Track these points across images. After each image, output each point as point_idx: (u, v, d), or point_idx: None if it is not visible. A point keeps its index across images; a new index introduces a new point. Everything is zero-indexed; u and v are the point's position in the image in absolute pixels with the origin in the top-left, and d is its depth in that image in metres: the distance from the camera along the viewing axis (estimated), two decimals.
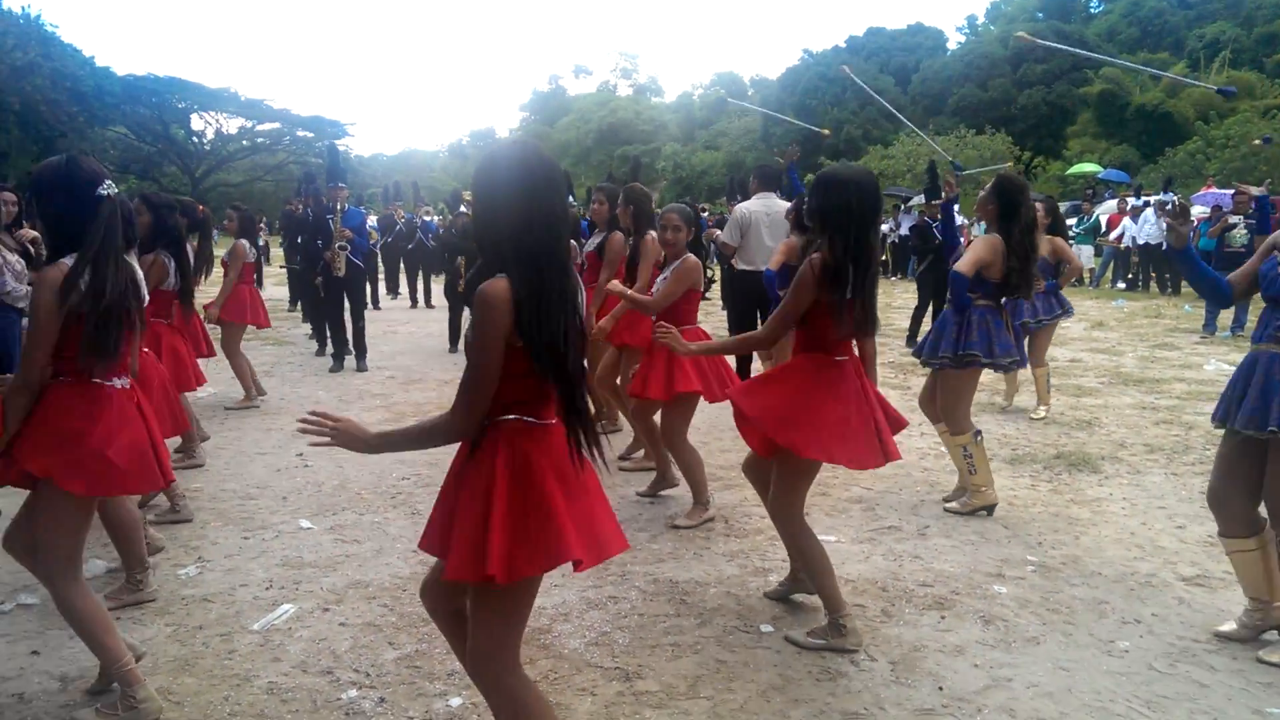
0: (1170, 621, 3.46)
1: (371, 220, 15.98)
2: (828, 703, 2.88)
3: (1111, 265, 18.28)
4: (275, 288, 18.63)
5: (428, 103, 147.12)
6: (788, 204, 6.24)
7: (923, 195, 11.47)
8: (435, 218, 17.19)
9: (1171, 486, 5.18)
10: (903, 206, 22.21)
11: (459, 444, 2.10)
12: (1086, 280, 18.69)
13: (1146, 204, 16.40)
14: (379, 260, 15.21)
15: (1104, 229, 18.39)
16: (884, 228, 18.41)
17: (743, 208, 6.86)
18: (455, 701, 2.86)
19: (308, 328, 11.47)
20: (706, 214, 18.00)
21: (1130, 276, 17.87)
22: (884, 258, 18.90)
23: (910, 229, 10.97)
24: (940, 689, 2.96)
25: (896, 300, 15.84)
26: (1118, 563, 4.06)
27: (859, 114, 45.19)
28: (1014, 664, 3.13)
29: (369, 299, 12.56)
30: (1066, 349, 10.17)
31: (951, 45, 52.31)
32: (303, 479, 5.34)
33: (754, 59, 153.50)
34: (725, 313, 8.85)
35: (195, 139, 45.27)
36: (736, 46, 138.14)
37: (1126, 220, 16.91)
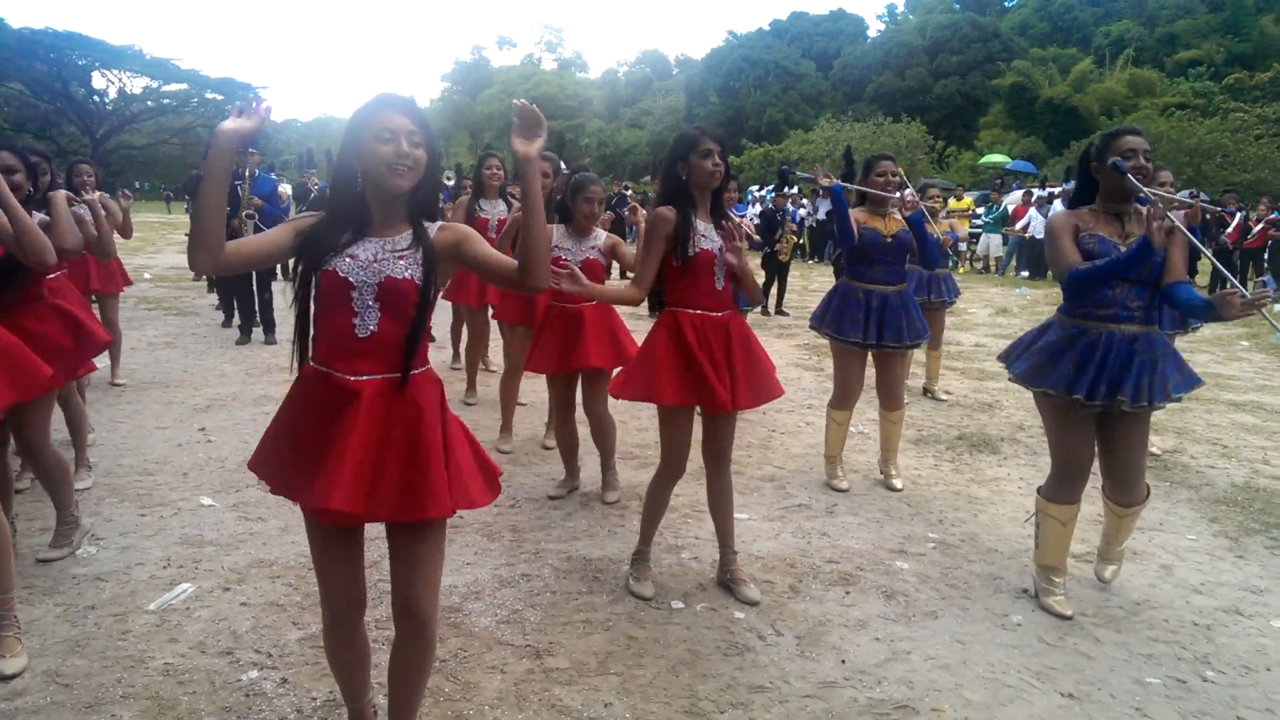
0: None
1: (286, 187, 15.46)
2: (735, 676, 2.94)
3: (1015, 254, 18.93)
4: (180, 256, 17.94)
5: (345, 68, 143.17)
6: None
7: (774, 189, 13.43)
8: None
9: None
10: (820, 191, 22.55)
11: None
12: (992, 268, 19.35)
13: (1053, 196, 17.02)
14: None
15: (1010, 219, 19.03)
16: (801, 212, 18.69)
17: None
18: None
19: (214, 298, 11.08)
20: (630, 192, 17.98)
21: (1033, 265, 18.53)
22: (801, 241, 19.17)
23: (761, 215, 11.95)
24: (843, 662, 3.05)
25: (814, 284, 16.13)
26: (1013, 540, 4.23)
27: (781, 98, 45.69)
28: (913, 637, 3.24)
29: (278, 270, 12.17)
30: (971, 334, 10.52)
31: (872, 33, 53.21)
32: (205, 454, 5.17)
33: (679, 38, 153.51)
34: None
35: (96, 98, 42.92)
36: (662, 25, 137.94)
37: (1032, 211, 17.52)
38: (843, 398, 4.89)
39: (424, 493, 2.05)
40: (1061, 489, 3.45)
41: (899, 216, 4.72)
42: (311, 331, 2.16)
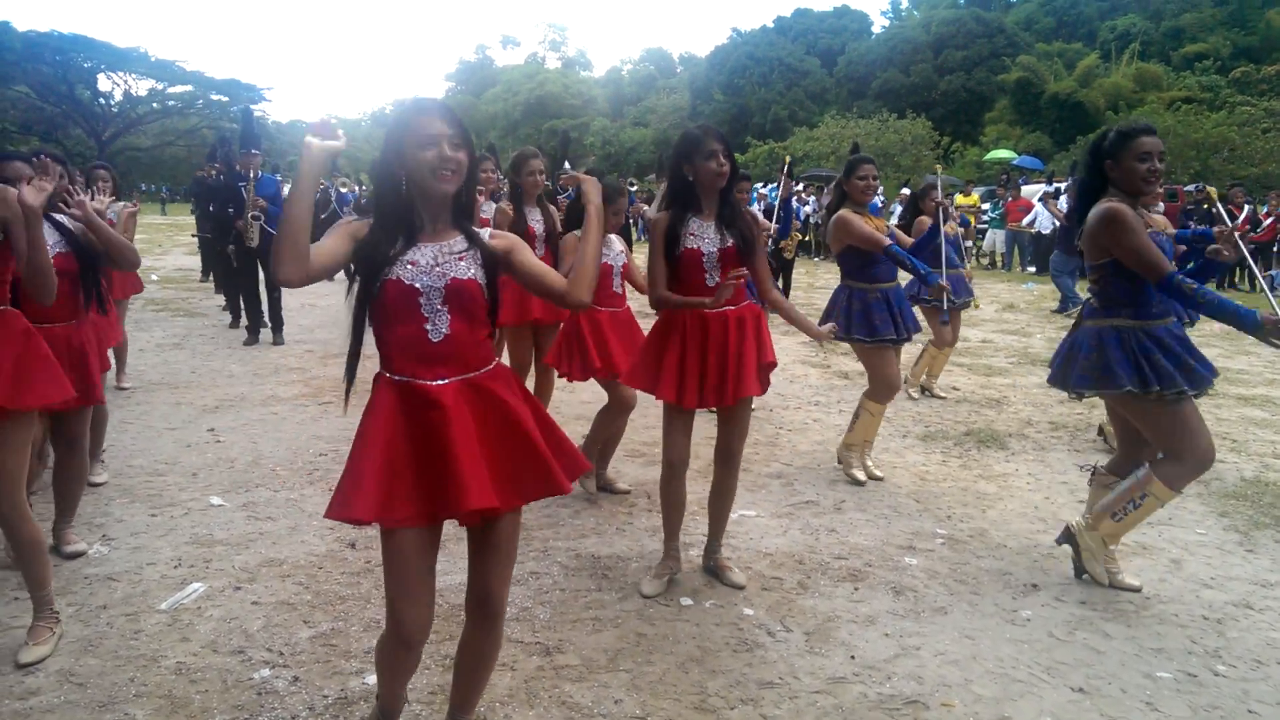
0: (1070, 591, 3.62)
1: (288, 188, 15.51)
2: (744, 673, 2.94)
3: (1015, 248, 18.87)
4: (187, 257, 18.00)
5: (349, 69, 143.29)
6: None
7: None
8: (357, 189, 16.77)
9: (1074, 462, 5.40)
10: (826, 189, 22.52)
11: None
12: (998, 264, 19.31)
13: (1059, 192, 16.96)
14: None
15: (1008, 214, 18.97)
16: (806, 209, 18.66)
17: None
18: (371, 679, 2.82)
19: (221, 299, 11.12)
20: (635, 189, 17.99)
21: (1040, 260, 18.49)
22: (806, 238, 19.13)
23: (764, 212, 12.13)
24: (852, 658, 3.05)
25: (819, 280, 16.12)
26: (1022, 535, 4.23)
27: (785, 95, 45.61)
28: (922, 633, 3.24)
29: None
30: (978, 330, 10.50)
31: (876, 29, 53.09)
32: (214, 455, 5.19)
33: (683, 36, 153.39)
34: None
35: (102, 100, 43.06)
36: (666, 23, 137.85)
37: (1037, 205, 17.45)
38: (886, 391, 4.93)
39: (543, 472, 2.14)
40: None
41: (875, 220, 4.84)
42: (380, 342, 2.14)
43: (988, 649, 3.13)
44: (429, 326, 2.08)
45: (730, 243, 3.35)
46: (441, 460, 2.05)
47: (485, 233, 2.21)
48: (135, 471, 4.86)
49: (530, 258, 2.25)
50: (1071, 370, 3.52)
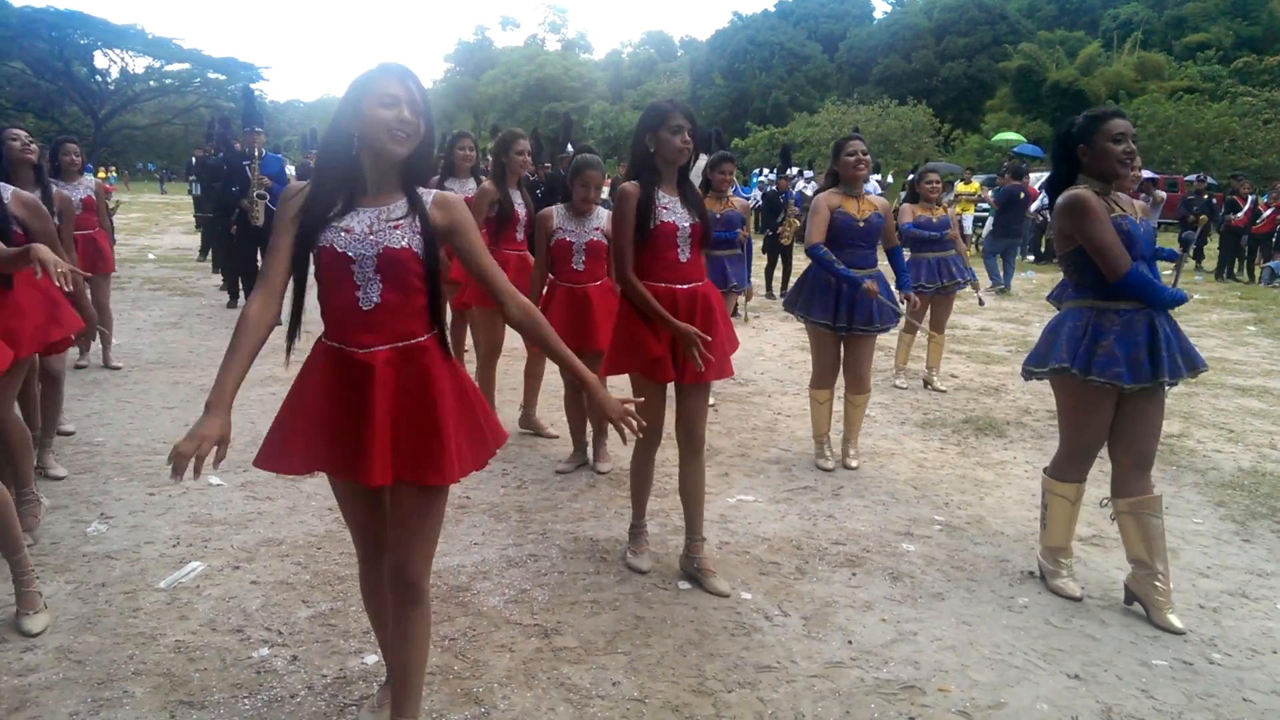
0: None
1: (290, 168, 15.39)
2: (742, 656, 2.95)
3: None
4: (184, 236, 17.95)
5: (347, 48, 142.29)
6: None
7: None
8: None
9: None
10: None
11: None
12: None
13: None
14: None
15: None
16: (805, 188, 18.58)
17: None
18: (371, 659, 2.83)
19: (219, 278, 11.08)
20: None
21: (1040, 249, 18.46)
22: (801, 222, 19.04)
23: (764, 198, 12.37)
24: (850, 642, 3.06)
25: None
26: (1019, 522, 4.24)
27: (786, 80, 45.44)
28: (919, 618, 3.25)
29: None
30: (977, 318, 10.50)
31: (878, 15, 52.83)
32: None
33: (684, 19, 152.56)
34: None
35: (99, 78, 42.84)
36: (667, 6, 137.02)
37: (1043, 194, 17.38)
38: (820, 377, 4.99)
39: (438, 459, 2.11)
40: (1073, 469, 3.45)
41: (871, 199, 4.77)
42: (321, 308, 2.15)
43: (984, 635, 3.15)
44: (359, 294, 2.08)
45: (697, 219, 3.32)
46: (356, 429, 2.09)
47: (429, 196, 2.16)
48: (133, 450, 4.85)
49: (475, 245, 2.21)
50: (1050, 350, 3.41)
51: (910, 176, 8.14)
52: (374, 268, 2.07)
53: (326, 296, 2.12)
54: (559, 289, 4.58)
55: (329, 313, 2.14)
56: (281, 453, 2.17)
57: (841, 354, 4.96)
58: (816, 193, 4.92)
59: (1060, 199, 3.28)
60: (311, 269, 2.14)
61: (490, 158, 5.47)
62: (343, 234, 2.08)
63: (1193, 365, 3.30)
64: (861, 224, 4.67)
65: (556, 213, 4.54)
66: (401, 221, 2.10)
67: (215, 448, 1.95)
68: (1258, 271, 15.85)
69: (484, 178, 5.68)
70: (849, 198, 4.72)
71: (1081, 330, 3.28)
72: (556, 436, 5.32)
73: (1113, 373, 3.18)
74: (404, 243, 2.09)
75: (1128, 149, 3.17)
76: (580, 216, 4.53)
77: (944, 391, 6.94)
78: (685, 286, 3.33)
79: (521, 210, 5.16)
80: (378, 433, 2.07)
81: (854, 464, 5.00)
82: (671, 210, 3.28)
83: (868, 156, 4.74)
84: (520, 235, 5.23)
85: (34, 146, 4.72)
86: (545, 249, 4.58)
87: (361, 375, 2.09)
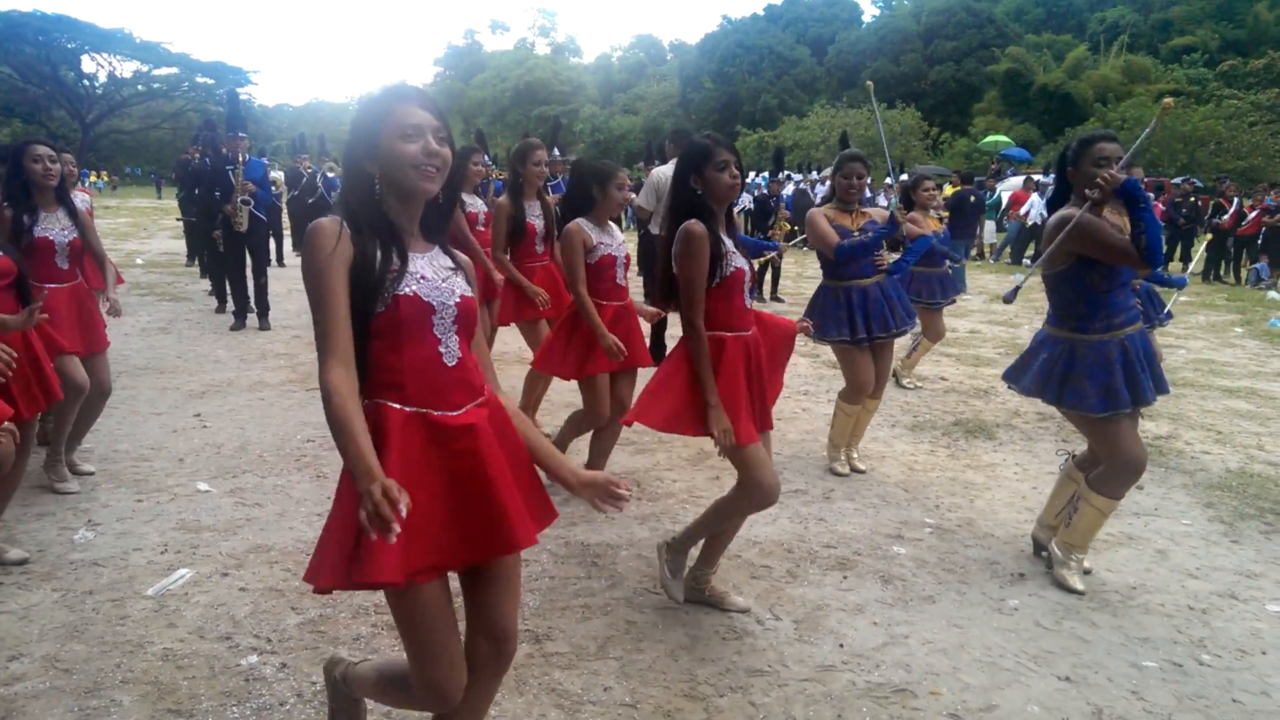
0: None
1: (278, 173, 15.34)
2: (733, 661, 2.95)
3: (1012, 241, 18.91)
4: (172, 241, 17.86)
5: (336, 53, 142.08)
6: None
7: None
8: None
9: (1059, 450, 5.42)
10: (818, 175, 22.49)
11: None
12: (987, 255, 19.36)
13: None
14: (284, 215, 14.66)
15: (1005, 206, 19.00)
16: (816, 191, 18.61)
17: (659, 172, 6.84)
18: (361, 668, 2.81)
19: (206, 283, 11.04)
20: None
21: (1030, 253, 18.53)
22: (795, 228, 19.11)
23: (755, 201, 12.37)
24: (841, 646, 3.06)
25: (809, 270, 16.13)
26: (1009, 525, 4.25)
27: (775, 84, 45.57)
28: (911, 621, 3.26)
29: (273, 255, 12.13)
30: (966, 320, 10.53)
31: (867, 19, 53.04)
32: (200, 440, 5.15)
33: (673, 23, 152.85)
34: (641, 278, 8.79)
35: (86, 82, 42.63)
36: (656, 9, 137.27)
37: (1034, 196, 17.45)
38: (853, 392, 4.90)
39: (545, 502, 2.02)
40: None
41: (866, 210, 4.78)
42: (379, 368, 1.81)
43: (975, 638, 3.15)
44: (443, 349, 1.83)
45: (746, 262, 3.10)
46: (481, 500, 1.82)
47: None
48: (121, 456, 4.82)
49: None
50: (1026, 373, 3.62)
51: (888, 180, 8.13)
52: (454, 317, 1.85)
53: (399, 354, 1.79)
54: (607, 310, 4.24)
55: (404, 373, 1.80)
56: (382, 556, 1.66)
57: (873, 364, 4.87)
58: (822, 201, 4.91)
59: (1051, 219, 3.43)
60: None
61: (485, 165, 5.46)
62: (420, 281, 1.81)
63: (1160, 389, 3.48)
64: (857, 236, 4.70)
65: (589, 229, 4.21)
66: (455, 269, 1.92)
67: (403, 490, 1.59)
68: (1244, 273, 15.96)
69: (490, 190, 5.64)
70: (844, 213, 4.75)
71: (1052, 362, 3.49)
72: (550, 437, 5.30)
73: (1086, 405, 3.36)
74: (469, 290, 1.91)
75: (1109, 173, 3.27)
76: (603, 227, 4.27)
77: (910, 389, 6.97)
78: (749, 334, 3.11)
79: (538, 222, 5.10)
80: (506, 494, 1.83)
81: (863, 467, 5.03)
82: (738, 255, 3.03)
83: (863, 180, 4.73)
84: (541, 247, 5.15)
85: (56, 169, 4.16)
86: (581, 266, 4.18)
87: (469, 441, 1.83)
